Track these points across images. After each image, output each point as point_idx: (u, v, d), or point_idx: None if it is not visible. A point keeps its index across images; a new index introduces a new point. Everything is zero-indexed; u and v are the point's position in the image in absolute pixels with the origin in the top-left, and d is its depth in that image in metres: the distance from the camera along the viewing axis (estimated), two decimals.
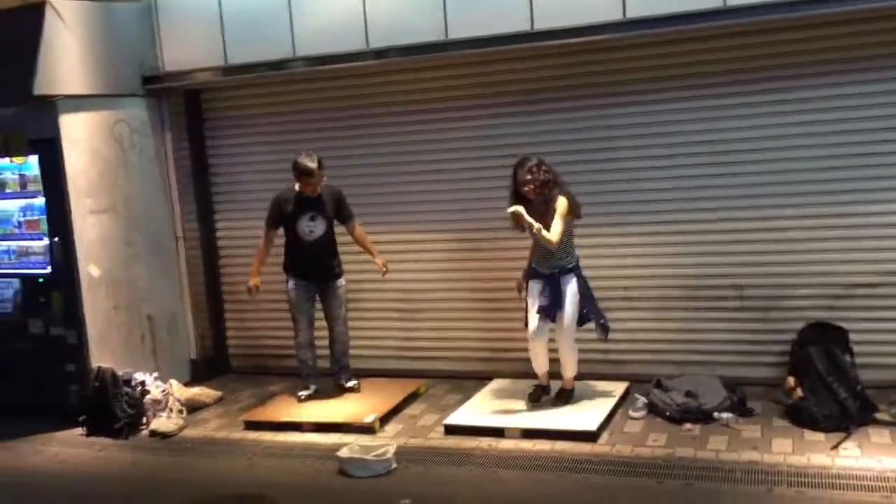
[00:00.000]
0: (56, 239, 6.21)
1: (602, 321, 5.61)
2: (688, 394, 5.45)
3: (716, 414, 5.33)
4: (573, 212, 5.43)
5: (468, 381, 6.47)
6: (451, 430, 5.55)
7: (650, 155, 6.05)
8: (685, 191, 6.02)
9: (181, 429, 6.02)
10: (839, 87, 5.61)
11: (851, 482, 4.38)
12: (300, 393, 6.26)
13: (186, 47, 6.70)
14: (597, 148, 6.14)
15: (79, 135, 6.25)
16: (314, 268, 6.10)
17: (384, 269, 6.18)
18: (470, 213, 6.57)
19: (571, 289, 5.48)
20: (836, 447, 4.78)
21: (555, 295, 5.47)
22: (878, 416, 5.10)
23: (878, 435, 4.93)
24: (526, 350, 6.47)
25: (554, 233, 5.28)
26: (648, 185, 6.09)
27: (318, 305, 6.27)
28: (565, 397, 5.72)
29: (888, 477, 4.39)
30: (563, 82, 6.20)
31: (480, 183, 6.47)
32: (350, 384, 6.34)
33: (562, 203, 5.34)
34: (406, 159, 6.69)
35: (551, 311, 5.49)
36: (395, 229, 6.75)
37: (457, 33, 5.93)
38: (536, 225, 5.19)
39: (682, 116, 5.96)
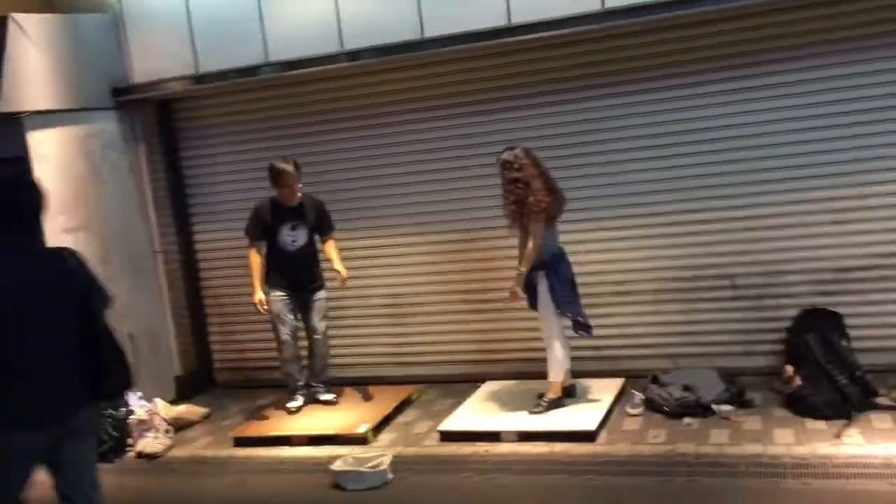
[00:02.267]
0: None
1: (578, 318, 5.37)
2: (685, 388, 5.35)
3: (714, 407, 5.24)
4: (548, 213, 5.24)
5: (460, 385, 6.33)
6: (447, 437, 5.43)
7: (637, 146, 5.96)
8: (673, 181, 5.92)
9: (168, 449, 5.86)
10: (828, 69, 5.54)
11: (857, 471, 4.30)
12: (289, 405, 6.11)
13: (156, 57, 6.52)
14: (583, 142, 6.04)
15: (48, 152, 6.07)
16: (295, 278, 5.95)
17: (344, 279, 5.91)
18: (453, 214, 6.45)
19: (542, 286, 5.33)
20: (839, 435, 4.70)
21: (531, 292, 5.39)
22: (879, 400, 5.03)
23: (880, 420, 4.86)
24: (516, 349, 6.40)
25: (534, 245, 5.19)
26: (636, 177, 6.00)
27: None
28: (544, 402, 5.46)
29: (894, 464, 4.31)
30: (544, 76, 6.10)
31: (463, 182, 6.36)
32: (326, 398, 6.18)
33: (528, 207, 5.17)
34: (386, 161, 6.56)
35: (534, 307, 5.43)
36: (379, 234, 6.62)
37: (433, 31, 5.80)
38: (521, 270, 5.28)
39: (669, 106, 5.86)
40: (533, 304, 5.46)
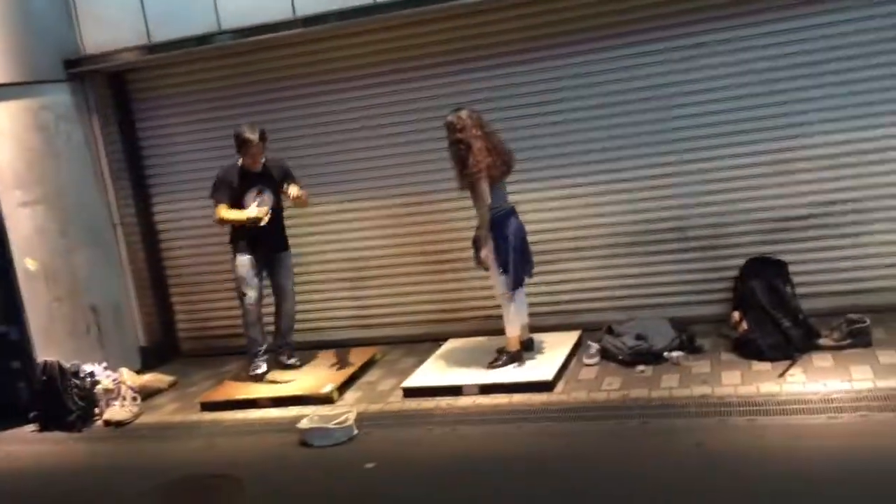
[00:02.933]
0: None
1: (503, 271, 5.38)
2: (638, 337, 5.55)
3: (666, 354, 5.45)
4: (491, 175, 5.28)
5: (423, 344, 6.49)
6: (410, 393, 5.57)
7: (587, 105, 6.09)
8: (623, 139, 6.07)
9: (136, 416, 5.94)
10: (767, 24, 5.70)
11: (799, 406, 4.53)
12: (254, 371, 6.16)
13: (107, 28, 6.49)
14: (535, 102, 6.15)
15: (1, 126, 6.05)
16: (264, 240, 5.98)
17: (294, 197, 5.78)
18: (412, 177, 6.55)
19: (489, 245, 5.40)
20: (782, 375, 4.93)
21: (477, 251, 5.51)
22: (821, 342, 5.26)
23: (822, 360, 5.10)
24: (476, 307, 6.55)
25: (482, 207, 5.27)
26: (586, 135, 6.13)
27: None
28: (503, 357, 5.61)
29: (833, 399, 4.55)
30: (496, 38, 6.18)
31: (420, 146, 6.45)
32: (290, 361, 6.28)
33: (470, 169, 5.23)
34: (344, 127, 6.62)
35: (477, 263, 5.57)
36: (338, 199, 6.70)
37: None
38: (481, 233, 5.36)
39: (616, 65, 5.99)
40: (479, 260, 5.54)
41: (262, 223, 5.81)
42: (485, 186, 5.26)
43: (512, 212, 5.52)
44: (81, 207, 6.62)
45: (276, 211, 6.01)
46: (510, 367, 5.57)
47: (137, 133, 7.09)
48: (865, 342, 5.17)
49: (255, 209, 5.80)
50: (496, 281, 5.50)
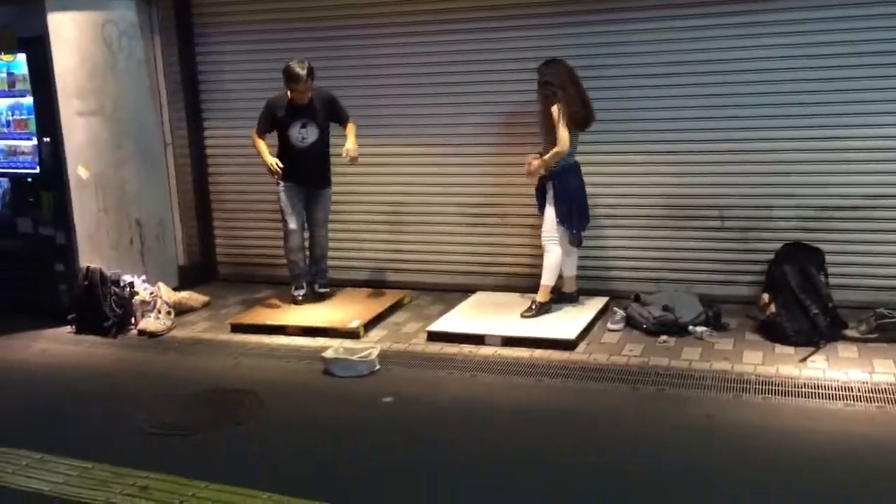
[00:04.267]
0: (45, 139, 6.21)
1: (575, 230, 5.71)
2: (665, 308, 5.58)
3: (691, 327, 5.48)
4: (573, 118, 5.49)
5: (452, 294, 6.59)
6: (434, 337, 5.68)
7: (641, 73, 6.07)
8: (672, 111, 6.05)
9: (169, 329, 6.14)
10: (821, 10, 5.62)
11: (816, 391, 4.55)
12: (295, 293, 6.42)
13: None
14: (586, 66, 6.08)
15: (67, 34, 6.20)
16: (305, 173, 6.18)
17: (347, 155, 6.04)
18: (457, 128, 6.60)
19: (549, 193, 5.63)
20: (804, 360, 4.94)
21: (540, 197, 5.70)
22: (848, 332, 5.25)
23: (847, 350, 5.10)
24: (508, 263, 6.64)
25: (561, 142, 5.43)
26: (637, 104, 6.12)
27: None
28: (532, 308, 5.79)
29: (852, 387, 4.56)
30: None
31: (469, 97, 6.50)
32: (324, 290, 6.50)
33: (554, 112, 5.44)
34: (397, 71, 6.67)
35: (539, 210, 5.73)
36: (384, 142, 6.76)
37: None
38: (541, 160, 5.55)
39: (672, 36, 5.95)
40: (541, 207, 5.72)
41: (273, 178, 6.08)
42: (565, 132, 5.42)
43: (577, 166, 5.69)
44: (136, 124, 6.78)
45: (320, 144, 6.16)
46: (540, 318, 5.69)
47: (197, 56, 7.21)
48: (892, 337, 5.15)
49: (272, 160, 6.03)
50: (546, 224, 5.65)
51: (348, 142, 6.10)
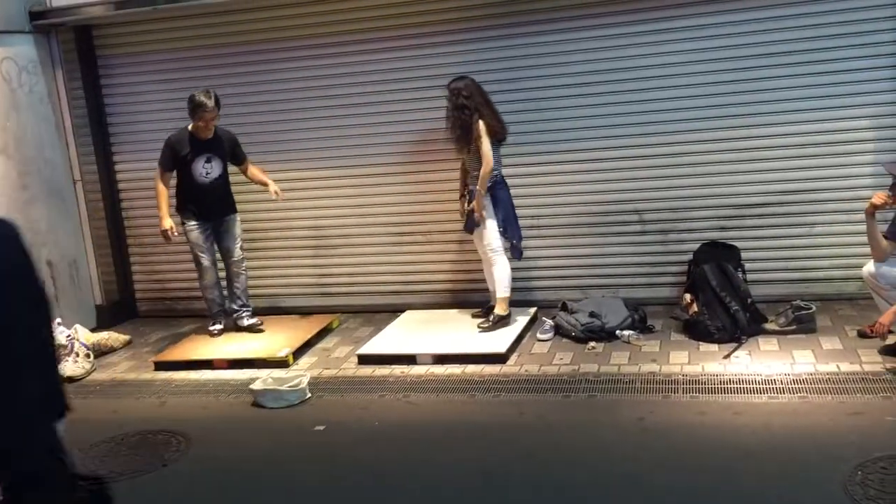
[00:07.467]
0: None
1: (515, 241, 5.75)
2: (592, 314, 5.65)
3: (618, 332, 5.56)
4: (493, 134, 5.52)
5: (381, 314, 6.55)
6: (365, 360, 5.62)
7: (553, 85, 6.14)
8: (588, 119, 6.15)
9: (88, 373, 5.92)
10: (727, 14, 5.79)
11: (741, 386, 4.66)
12: (212, 328, 6.25)
13: None
14: (504, 78, 6.16)
15: None
16: (210, 209, 6.08)
17: (277, 196, 6.12)
18: (377, 147, 6.56)
19: (486, 210, 5.61)
20: (727, 356, 5.06)
21: (468, 215, 5.67)
22: (767, 326, 5.40)
23: (767, 343, 5.24)
24: (435, 280, 6.62)
25: (486, 158, 5.46)
26: (552, 115, 6.19)
27: None
28: (492, 317, 5.78)
29: (775, 380, 4.68)
30: (463, 13, 6.20)
31: (387, 116, 6.48)
32: (250, 322, 6.32)
33: (479, 126, 5.46)
34: (310, 94, 6.60)
35: (468, 225, 5.70)
36: (302, 166, 6.69)
37: None
38: (479, 191, 5.53)
39: (581, 46, 6.05)
40: (468, 227, 5.71)
41: (166, 241, 6.07)
42: (489, 147, 5.45)
43: (504, 179, 5.72)
44: (42, 161, 6.54)
45: (223, 178, 6.10)
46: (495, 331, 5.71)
47: (102, 90, 7.01)
48: (810, 328, 5.31)
49: (169, 225, 5.98)
50: (489, 238, 5.64)
51: (270, 185, 6.10)
